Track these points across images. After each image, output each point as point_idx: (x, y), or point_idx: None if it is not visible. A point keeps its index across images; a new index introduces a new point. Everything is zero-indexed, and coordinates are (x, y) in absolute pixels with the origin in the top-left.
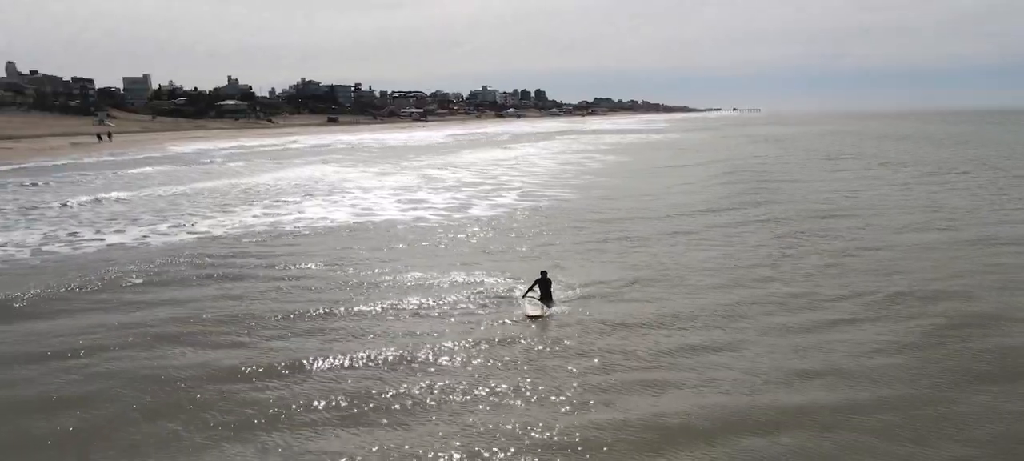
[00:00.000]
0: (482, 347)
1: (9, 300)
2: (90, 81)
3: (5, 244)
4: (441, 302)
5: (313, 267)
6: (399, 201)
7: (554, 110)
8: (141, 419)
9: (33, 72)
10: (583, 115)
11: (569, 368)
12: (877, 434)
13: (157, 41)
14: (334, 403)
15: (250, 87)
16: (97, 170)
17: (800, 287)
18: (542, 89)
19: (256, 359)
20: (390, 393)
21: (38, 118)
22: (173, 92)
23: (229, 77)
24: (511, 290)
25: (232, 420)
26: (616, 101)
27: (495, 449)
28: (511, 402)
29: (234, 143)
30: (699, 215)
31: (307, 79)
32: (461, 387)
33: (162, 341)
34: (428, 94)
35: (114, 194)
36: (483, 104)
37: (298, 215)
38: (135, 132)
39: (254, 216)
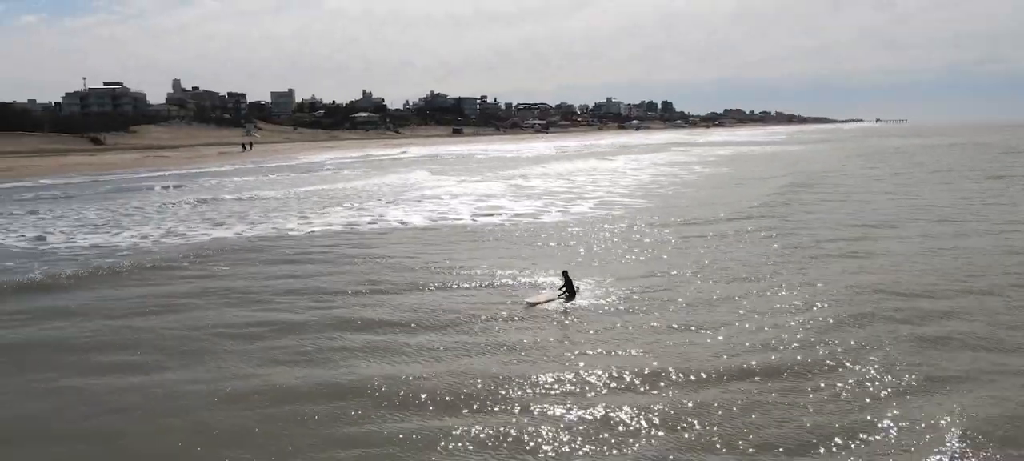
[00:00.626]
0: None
1: (122, 270)
2: (243, 96)
3: (136, 234)
4: (454, 294)
5: (361, 257)
6: (478, 207)
7: (679, 122)
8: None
9: (195, 88)
10: (708, 127)
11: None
12: None
13: (304, 57)
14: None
15: (383, 100)
16: (231, 176)
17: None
18: (669, 101)
19: (268, 318)
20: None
21: (196, 129)
22: (313, 105)
23: (364, 91)
24: (532, 284)
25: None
26: (747, 112)
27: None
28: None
29: (358, 153)
30: (723, 222)
31: (436, 92)
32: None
33: (224, 301)
34: (553, 106)
35: (237, 195)
36: (606, 116)
37: (378, 217)
38: (276, 142)
39: (339, 217)
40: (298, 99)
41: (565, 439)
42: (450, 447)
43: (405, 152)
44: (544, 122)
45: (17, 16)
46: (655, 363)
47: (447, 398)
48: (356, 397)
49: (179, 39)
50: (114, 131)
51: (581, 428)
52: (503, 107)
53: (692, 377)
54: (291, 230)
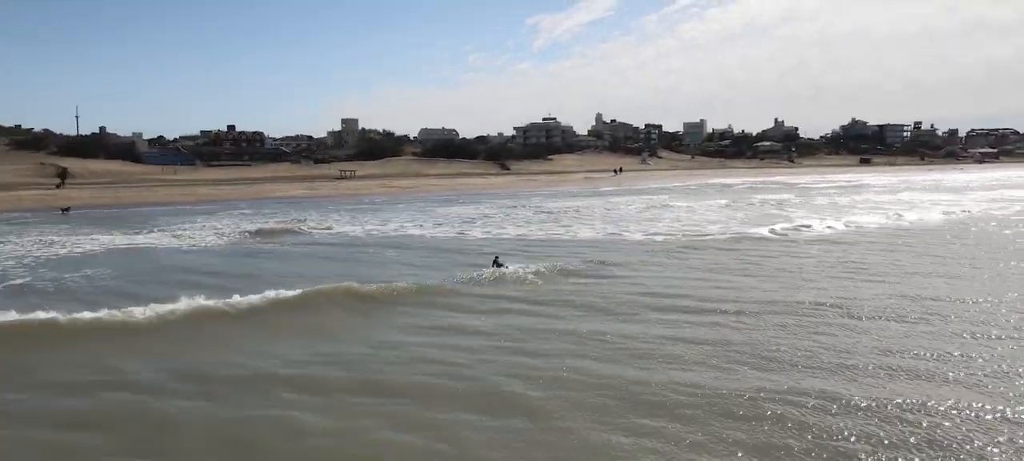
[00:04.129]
0: None
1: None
2: (658, 126)
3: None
4: None
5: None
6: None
7: None
8: None
9: (612, 120)
10: None
11: None
12: None
13: (752, 87)
14: None
15: (795, 128)
16: (550, 199)
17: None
18: None
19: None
20: None
21: (602, 157)
22: (723, 134)
23: (776, 119)
24: None
25: None
26: None
27: None
28: None
29: (728, 180)
30: None
31: (857, 118)
32: None
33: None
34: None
35: (539, 206)
36: None
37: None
38: (663, 169)
39: (603, 228)
40: (713, 128)
41: None
42: None
43: (764, 181)
44: (995, 151)
45: (516, 63)
46: None
47: None
48: None
49: (638, 75)
50: (536, 159)
51: None
52: (943, 133)
53: None
54: (522, 234)
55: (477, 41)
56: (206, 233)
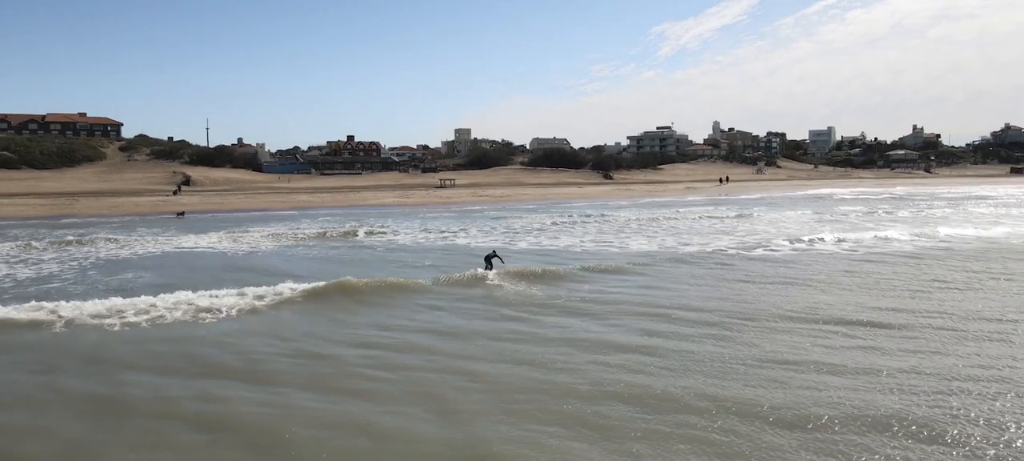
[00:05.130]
0: None
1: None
2: (781, 134)
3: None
4: None
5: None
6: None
7: None
8: None
9: (730, 129)
10: None
11: None
12: None
13: (893, 92)
14: None
15: (937, 136)
16: (644, 208)
17: None
18: None
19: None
20: None
21: (718, 165)
22: (853, 142)
23: (914, 126)
24: None
25: None
26: None
27: None
28: None
29: (841, 190)
30: None
31: (1011, 124)
32: None
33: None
34: None
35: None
36: None
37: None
38: (779, 179)
39: (662, 240)
40: (842, 136)
41: None
42: None
43: (877, 192)
44: None
45: (640, 72)
46: None
47: None
48: None
49: (770, 82)
50: (645, 168)
51: None
52: None
53: None
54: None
55: (601, 52)
56: (264, 238)
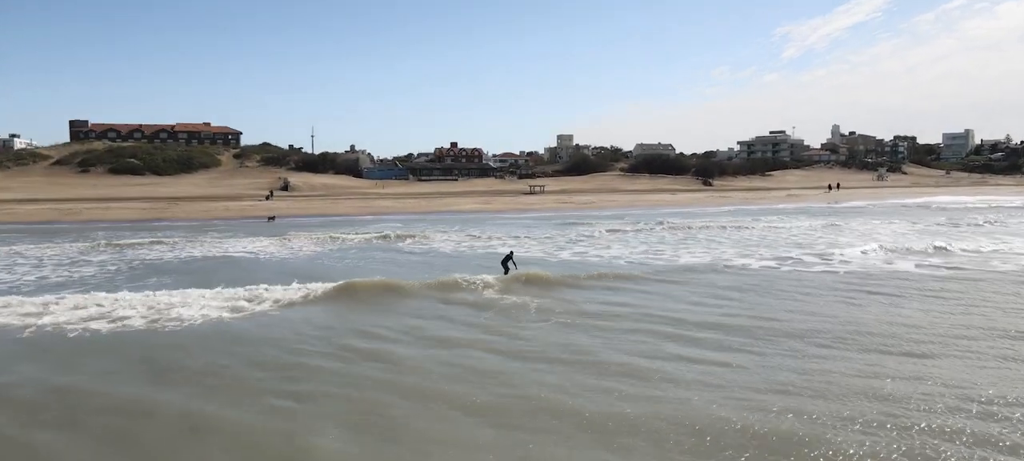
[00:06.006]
0: None
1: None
2: (910, 138)
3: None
4: None
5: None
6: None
7: None
8: None
9: (851, 132)
10: None
11: None
12: None
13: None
14: None
15: None
16: (727, 216)
17: None
18: None
19: None
20: None
21: (834, 171)
22: (995, 146)
23: None
24: None
25: None
26: None
27: None
28: None
29: (966, 198)
30: None
31: None
32: None
33: None
34: None
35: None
36: None
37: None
38: (898, 186)
39: (718, 251)
40: (981, 139)
41: None
42: None
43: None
44: None
45: (762, 75)
46: None
47: None
48: None
49: (907, 81)
50: (752, 174)
51: None
52: None
53: None
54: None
55: (720, 55)
56: (312, 242)
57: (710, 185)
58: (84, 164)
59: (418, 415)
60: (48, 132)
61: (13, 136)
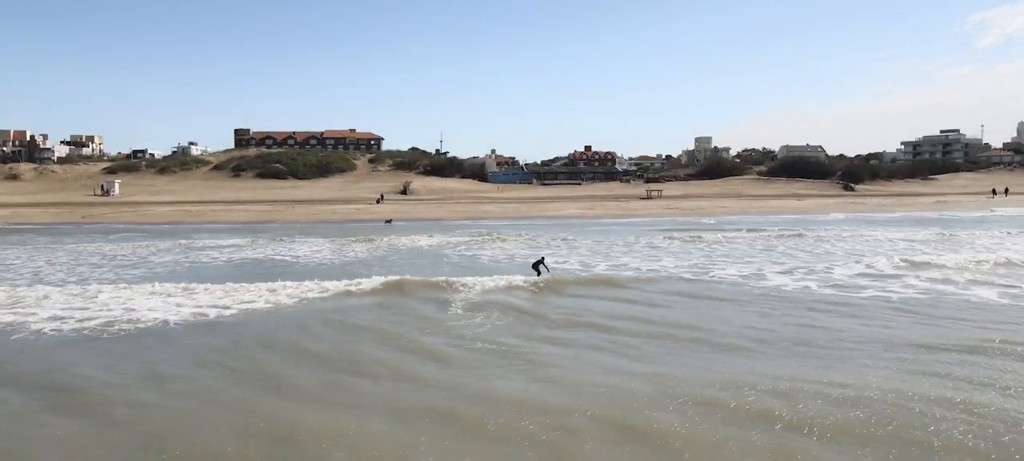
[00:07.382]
0: None
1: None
2: None
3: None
4: None
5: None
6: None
7: None
8: None
9: None
10: None
11: None
12: None
13: None
14: None
15: None
16: (847, 225)
17: None
18: None
19: None
20: None
21: (1016, 174)
22: None
23: None
24: None
25: None
26: None
27: None
28: None
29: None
30: None
31: None
32: None
33: None
34: None
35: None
36: None
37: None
38: None
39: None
40: None
41: None
42: None
43: None
44: None
45: (951, 67)
46: None
47: None
48: None
49: None
50: (910, 178)
51: None
52: None
53: None
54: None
55: (901, 47)
56: (363, 245)
57: (851, 190)
58: (237, 169)
59: None
60: (221, 140)
61: (191, 144)
